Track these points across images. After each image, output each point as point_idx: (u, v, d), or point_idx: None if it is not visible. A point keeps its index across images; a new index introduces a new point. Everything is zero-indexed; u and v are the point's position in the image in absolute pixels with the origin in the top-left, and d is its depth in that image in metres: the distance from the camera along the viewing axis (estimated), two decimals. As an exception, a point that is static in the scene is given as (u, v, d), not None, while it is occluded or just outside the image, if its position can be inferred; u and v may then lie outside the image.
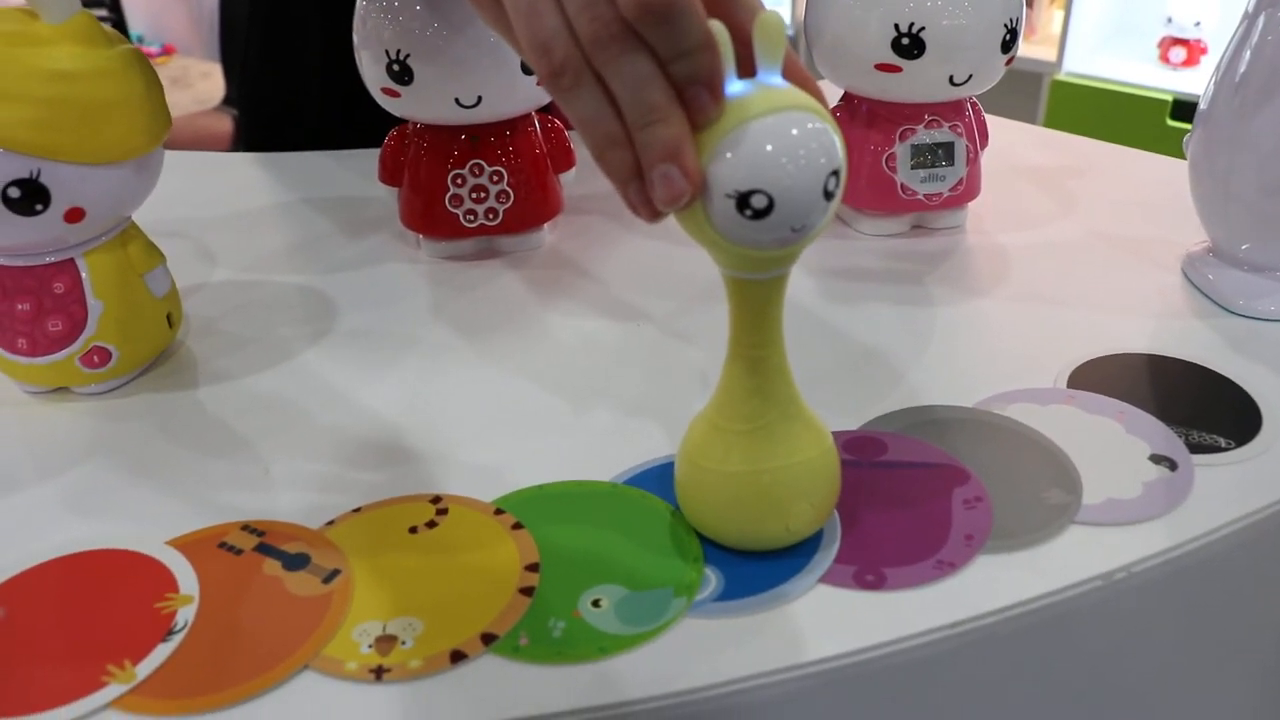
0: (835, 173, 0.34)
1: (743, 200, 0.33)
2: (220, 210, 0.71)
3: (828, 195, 0.34)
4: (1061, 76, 2.03)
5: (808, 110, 0.34)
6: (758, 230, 0.34)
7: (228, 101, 2.51)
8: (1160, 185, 0.73)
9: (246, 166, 0.79)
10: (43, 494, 0.45)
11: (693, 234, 0.36)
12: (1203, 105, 0.59)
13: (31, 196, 0.46)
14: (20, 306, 0.49)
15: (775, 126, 0.33)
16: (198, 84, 2.98)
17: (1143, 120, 1.97)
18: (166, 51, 3.12)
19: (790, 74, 0.35)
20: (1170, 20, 1.99)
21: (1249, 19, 0.55)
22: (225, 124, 2.47)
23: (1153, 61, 2.03)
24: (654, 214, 0.35)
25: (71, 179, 0.46)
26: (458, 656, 0.36)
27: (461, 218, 0.62)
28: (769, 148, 0.33)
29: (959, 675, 0.39)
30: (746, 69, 0.35)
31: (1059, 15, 2.05)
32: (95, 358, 0.50)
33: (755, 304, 0.37)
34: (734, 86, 0.34)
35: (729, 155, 0.33)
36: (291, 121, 0.87)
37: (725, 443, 0.39)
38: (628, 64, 0.34)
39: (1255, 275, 0.59)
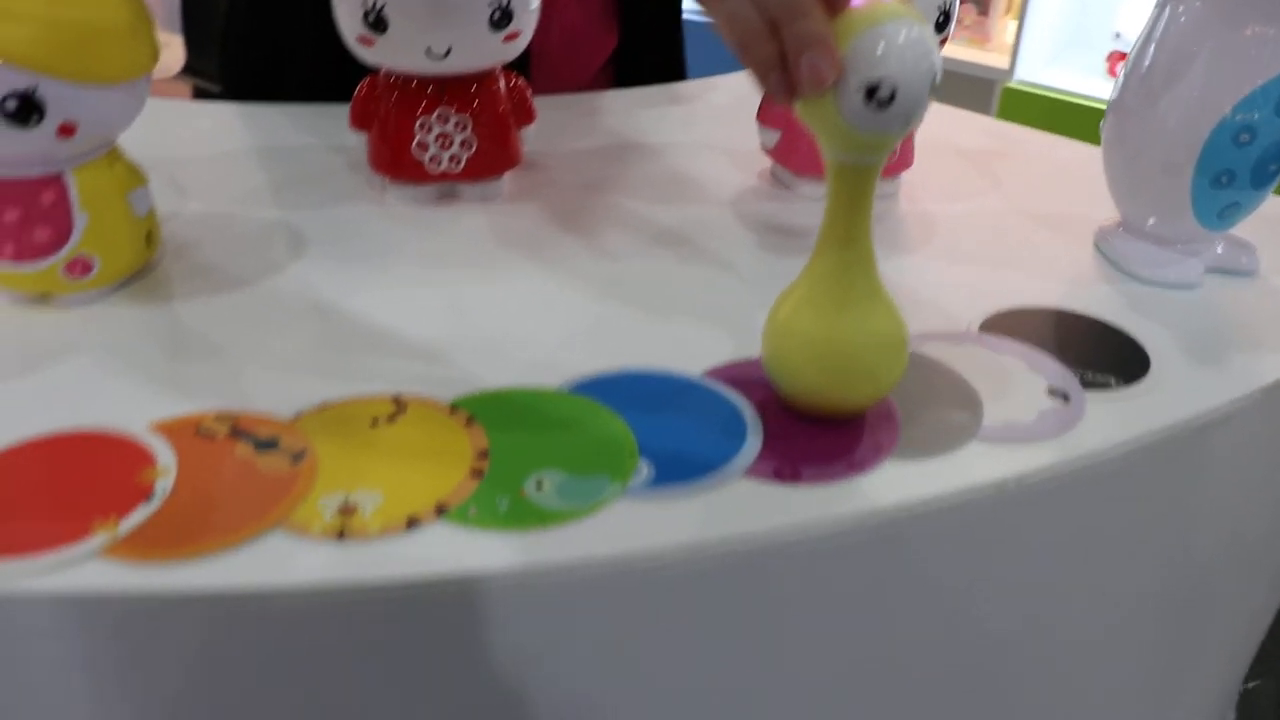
0: (936, 71, 0.40)
1: (871, 91, 0.39)
2: (195, 152, 0.74)
3: (932, 90, 0.40)
4: (1012, 84, 2.10)
5: (918, 19, 0.40)
6: (879, 118, 0.39)
7: (188, 70, 2.52)
8: (1082, 169, 0.78)
9: (220, 114, 0.82)
10: (25, 386, 0.48)
11: (816, 122, 0.42)
12: (1115, 94, 0.64)
13: (28, 110, 0.49)
14: (10, 215, 0.52)
15: (899, 29, 0.39)
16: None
17: (1089, 130, 2.03)
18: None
19: None
20: (1118, 36, 2.07)
21: (1155, 14, 0.60)
22: (184, 92, 2.48)
23: (1101, 74, 2.10)
24: (793, 97, 0.41)
25: (66, 96, 0.50)
26: (413, 522, 0.40)
27: (426, 163, 0.66)
28: (896, 47, 0.39)
29: (862, 564, 0.44)
30: None
31: (1013, 25, 2.12)
32: (78, 267, 0.54)
33: (855, 187, 0.43)
34: None
35: (862, 52, 0.39)
36: (274, 90, 0.89)
37: (817, 312, 0.45)
38: None
39: (1159, 247, 0.64)
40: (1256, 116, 0.58)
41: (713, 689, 0.45)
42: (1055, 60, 2.18)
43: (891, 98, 0.39)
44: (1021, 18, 2.04)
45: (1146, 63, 0.61)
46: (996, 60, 2.12)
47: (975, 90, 2.12)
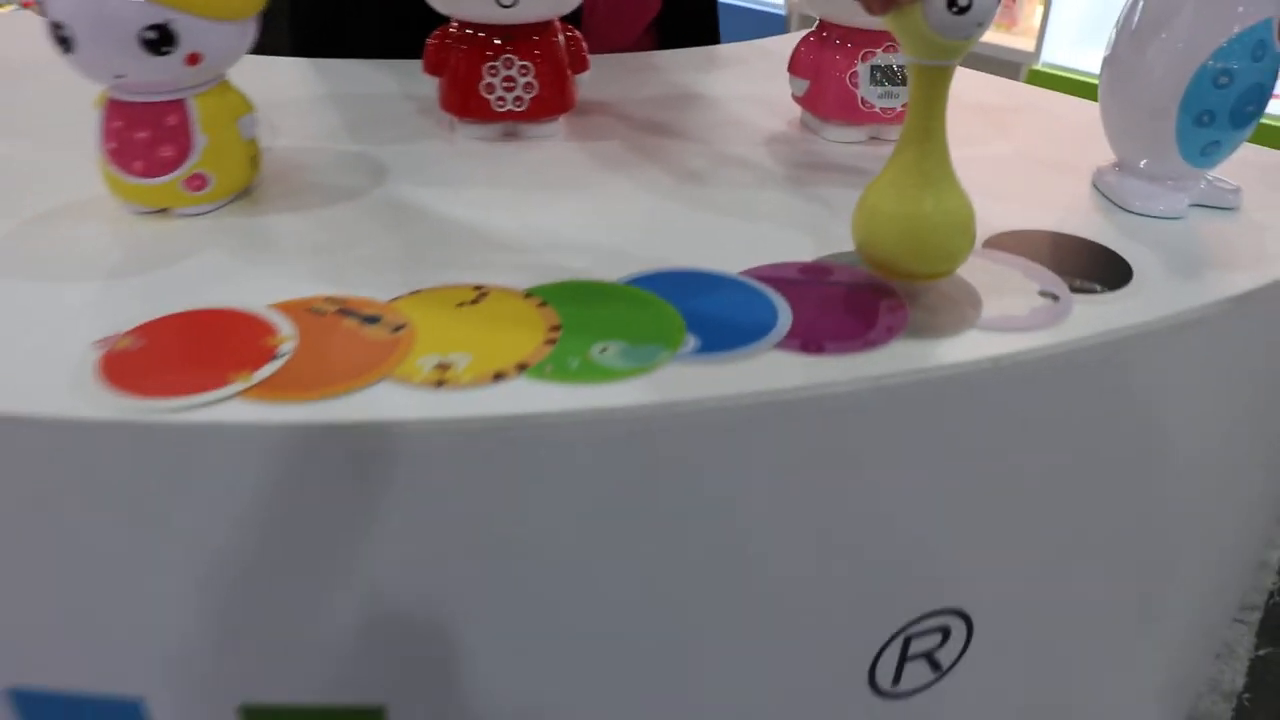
0: None
1: (953, 0, 0.48)
2: (279, 98, 0.83)
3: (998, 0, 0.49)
4: (1039, 67, 2.16)
5: None
6: (958, 24, 0.48)
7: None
8: (1088, 124, 0.84)
9: (297, 67, 0.91)
10: (157, 278, 0.56)
11: (904, 31, 0.50)
12: (1108, 50, 0.71)
13: (163, 40, 0.57)
14: (140, 134, 0.61)
15: None
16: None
17: (1110, 111, 2.09)
18: None
19: None
20: (1141, 19, 2.12)
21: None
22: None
23: (1123, 57, 2.15)
24: (886, 7, 0.49)
25: (194, 28, 0.58)
26: (499, 376, 0.48)
27: (492, 103, 0.74)
28: None
29: (874, 422, 0.51)
30: None
31: (1039, 8, 2.18)
32: (196, 182, 0.62)
33: (934, 87, 0.52)
34: None
35: None
36: (342, 46, 0.97)
37: (901, 195, 0.53)
38: None
39: (1150, 183, 0.71)
40: (1235, 64, 0.65)
41: (735, 528, 0.52)
42: (1082, 43, 2.23)
43: (970, 5, 0.48)
44: (1048, 1, 2.10)
45: (1136, 18, 0.68)
46: (1023, 43, 2.18)
47: (1001, 73, 2.16)
